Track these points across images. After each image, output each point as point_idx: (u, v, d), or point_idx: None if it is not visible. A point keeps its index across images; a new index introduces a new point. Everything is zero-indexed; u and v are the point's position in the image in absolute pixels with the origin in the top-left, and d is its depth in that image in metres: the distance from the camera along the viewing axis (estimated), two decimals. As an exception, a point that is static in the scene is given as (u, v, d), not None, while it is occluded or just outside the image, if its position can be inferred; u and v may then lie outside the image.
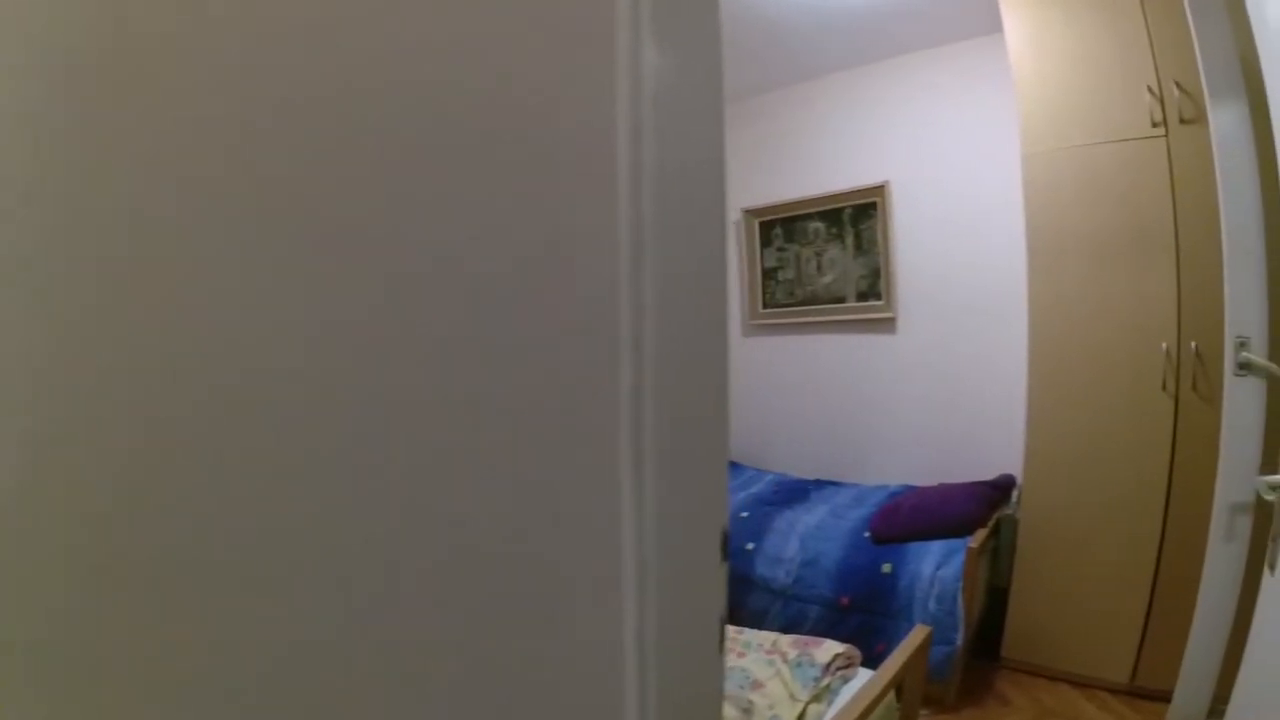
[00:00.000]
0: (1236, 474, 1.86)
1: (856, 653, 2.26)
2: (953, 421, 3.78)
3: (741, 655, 2.27)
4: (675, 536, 0.69)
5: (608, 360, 0.65)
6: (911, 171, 3.90)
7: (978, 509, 3.02)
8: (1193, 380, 2.49)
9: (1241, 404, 1.85)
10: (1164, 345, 2.54)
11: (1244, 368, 1.84)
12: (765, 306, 4.56)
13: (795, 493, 3.86)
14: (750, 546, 3.30)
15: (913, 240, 3.90)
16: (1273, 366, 1.75)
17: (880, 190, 3.96)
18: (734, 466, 4.46)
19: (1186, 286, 2.50)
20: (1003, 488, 3.29)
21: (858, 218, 4.09)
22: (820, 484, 4.05)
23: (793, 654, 2.20)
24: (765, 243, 4.55)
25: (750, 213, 4.59)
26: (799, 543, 3.22)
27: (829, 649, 2.20)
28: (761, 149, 4.61)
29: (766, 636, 2.38)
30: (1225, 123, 1.83)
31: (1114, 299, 2.67)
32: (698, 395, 0.75)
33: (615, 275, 0.65)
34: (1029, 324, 2.92)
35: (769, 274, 4.54)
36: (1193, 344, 2.48)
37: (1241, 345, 1.85)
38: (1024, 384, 2.95)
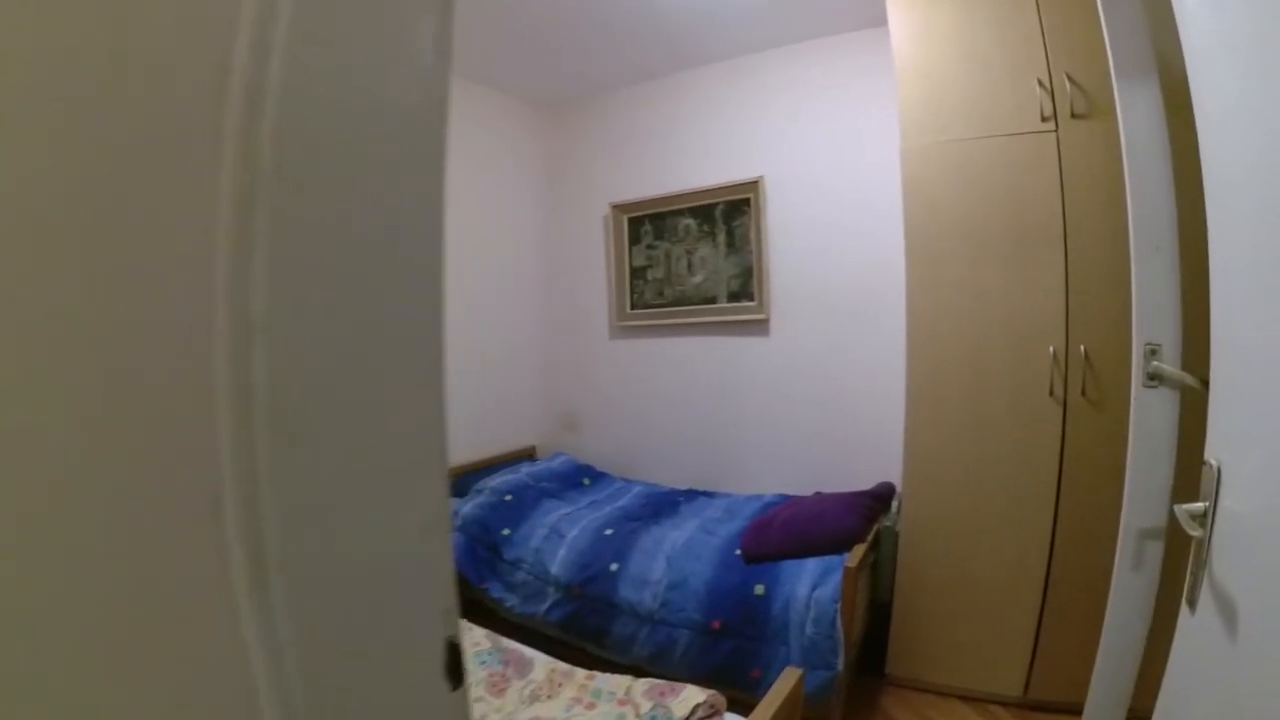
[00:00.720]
0: (1146, 496, 1.70)
1: (721, 700, 1.97)
2: (830, 428, 3.62)
3: (591, 707, 1.95)
4: (346, 676, 0.39)
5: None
6: (787, 167, 3.73)
7: (856, 522, 2.83)
8: (1081, 385, 2.38)
9: (1152, 419, 1.69)
10: (1051, 348, 2.42)
11: (1154, 378, 1.68)
12: (633, 307, 4.28)
13: (664, 506, 3.60)
14: (614, 568, 3.01)
15: (787, 239, 3.72)
16: (1188, 377, 1.59)
17: (754, 186, 3.76)
18: (600, 477, 4.18)
19: (1075, 286, 2.39)
20: (882, 498, 3.13)
21: (730, 215, 3.88)
22: (692, 495, 3.81)
23: (646, 706, 1.90)
24: (634, 240, 4.27)
25: (619, 208, 4.31)
26: (666, 562, 2.95)
27: (688, 699, 1.91)
28: (632, 142, 4.35)
29: (620, 682, 2.06)
30: (1137, 111, 1.67)
31: (997, 299, 2.54)
32: (384, 431, 0.50)
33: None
34: (907, 326, 2.76)
35: (638, 273, 4.27)
36: (1081, 347, 2.37)
37: (1152, 353, 1.68)
38: (903, 388, 2.79)
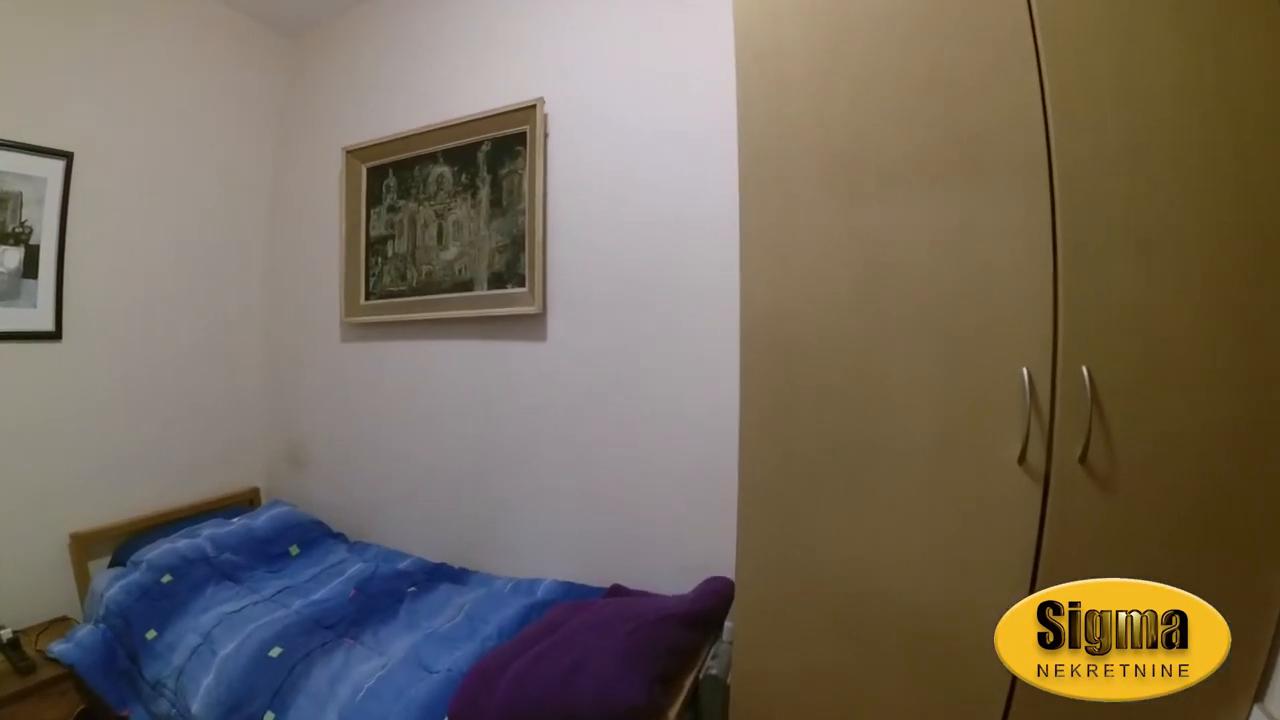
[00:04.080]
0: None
1: None
2: (636, 481, 2.38)
3: None
4: None
5: None
6: (575, 87, 2.51)
7: (638, 688, 1.57)
8: (1084, 443, 1.15)
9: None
10: (1024, 371, 1.20)
11: None
12: (369, 296, 2.93)
13: (382, 600, 2.36)
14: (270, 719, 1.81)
15: (574, 192, 2.49)
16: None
17: (530, 113, 2.50)
18: (317, 543, 2.91)
19: (1073, 250, 1.19)
20: (707, 614, 1.92)
21: (498, 158, 2.62)
22: (435, 578, 2.55)
23: None
24: (375, 200, 2.94)
25: (355, 154, 2.97)
26: None
27: None
28: (377, 65, 3.06)
29: None
30: None
31: (914, 272, 1.33)
32: None
33: None
34: (742, 323, 1.53)
35: (376, 246, 2.93)
36: (1084, 370, 1.15)
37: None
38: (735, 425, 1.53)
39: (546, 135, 2.49)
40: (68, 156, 2.64)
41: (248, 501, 3.34)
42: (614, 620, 1.85)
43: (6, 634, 2.34)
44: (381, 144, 2.89)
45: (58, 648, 2.31)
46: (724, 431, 2.10)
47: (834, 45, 1.42)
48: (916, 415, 1.32)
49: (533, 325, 2.50)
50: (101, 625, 2.37)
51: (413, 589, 2.43)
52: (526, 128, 2.52)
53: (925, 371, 1.31)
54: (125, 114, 2.84)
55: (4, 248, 2.50)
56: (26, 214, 2.54)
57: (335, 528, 3.05)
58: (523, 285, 2.50)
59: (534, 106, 2.48)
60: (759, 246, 1.50)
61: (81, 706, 2.30)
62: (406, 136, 2.80)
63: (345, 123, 3.13)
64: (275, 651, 2.02)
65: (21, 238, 2.54)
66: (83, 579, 2.69)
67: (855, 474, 1.38)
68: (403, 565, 2.66)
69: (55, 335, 2.65)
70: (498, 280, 2.57)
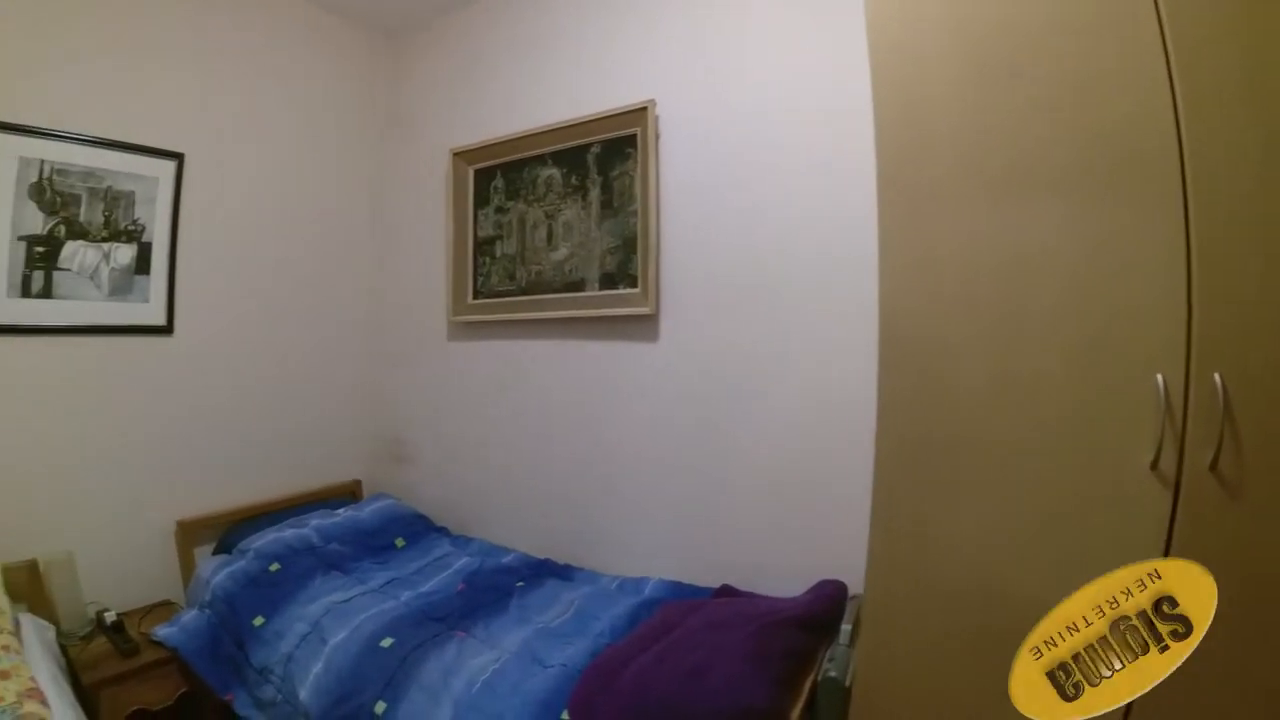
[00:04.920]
0: None
1: None
2: (750, 483, 2.37)
3: None
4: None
5: None
6: (687, 89, 2.51)
7: (764, 689, 1.58)
8: (1215, 450, 1.14)
9: None
10: (1159, 378, 1.19)
11: None
12: (477, 295, 3.00)
13: (490, 595, 2.37)
14: (380, 709, 1.82)
15: (686, 195, 2.51)
16: None
17: (641, 116, 2.52)
18: (422, 536, 2.96)
19: (1206, 255, 1.16)
20: (822, 618, 1.90)
21: (608, 160, 2.65)
22: (541, 574, 2.57)
23: None
24: (482, 201, 3.00)
25: (463, 156, 3.04)
26: (453, 713, 1.75)
27: None
28: (482, 66, 3.13)
29: None
30: None
31: (1051, 274, 1.32)
32: None
33: None
34: (880, 328, 1.52)
35: (484, 246, 2.99)
36: (1216, 377, 1.13)
37: None
38: (870, 432, 1.53)
39: (658, 137, 2.51)
40: (178, 157, 2.75)
41: (349, 494, 3.41)
42: (733, 621, 1.86)
43: (110, 616, 2.42)
44: (489, 146, 2.94)
45: (162, 631, 2.37)
46: (833, 433, 2.12)
47: (967, 43, 1.41)
48: (1050, 416, 1.30)
49: (644, 326, 2.53)
50: (207, 610, 2.42)
51: (520, 584, 2.45)
52: (637, 130, 2.54)
53: (1058, 372, 1.29)
54: (234, 117, 2.95)
55: (118, 245, 2.62)
56: (139, 212, 2.66)
57: (437, 522, 3.11)
58: (635, 286, 2.53)
59: (645, 109, 2.50)
60: (897, 245, 1.49)
61: (183, 689, 2.35)
62: (515, 139, 2.85)
63: (451, 125, 3.20)
64: (386, 642, 2.04)
65: (134, 235, 2.65)
66: (187, 565, 2.78)
67: (988, 474, 1.36)
68: (506, 560, 2.69)
69: (167, 329, 2.76)
70: (609, 281, 2.60)
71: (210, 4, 2.86)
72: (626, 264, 2.56)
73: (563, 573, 2.59)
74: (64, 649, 2.27)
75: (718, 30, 2.44)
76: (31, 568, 2.35)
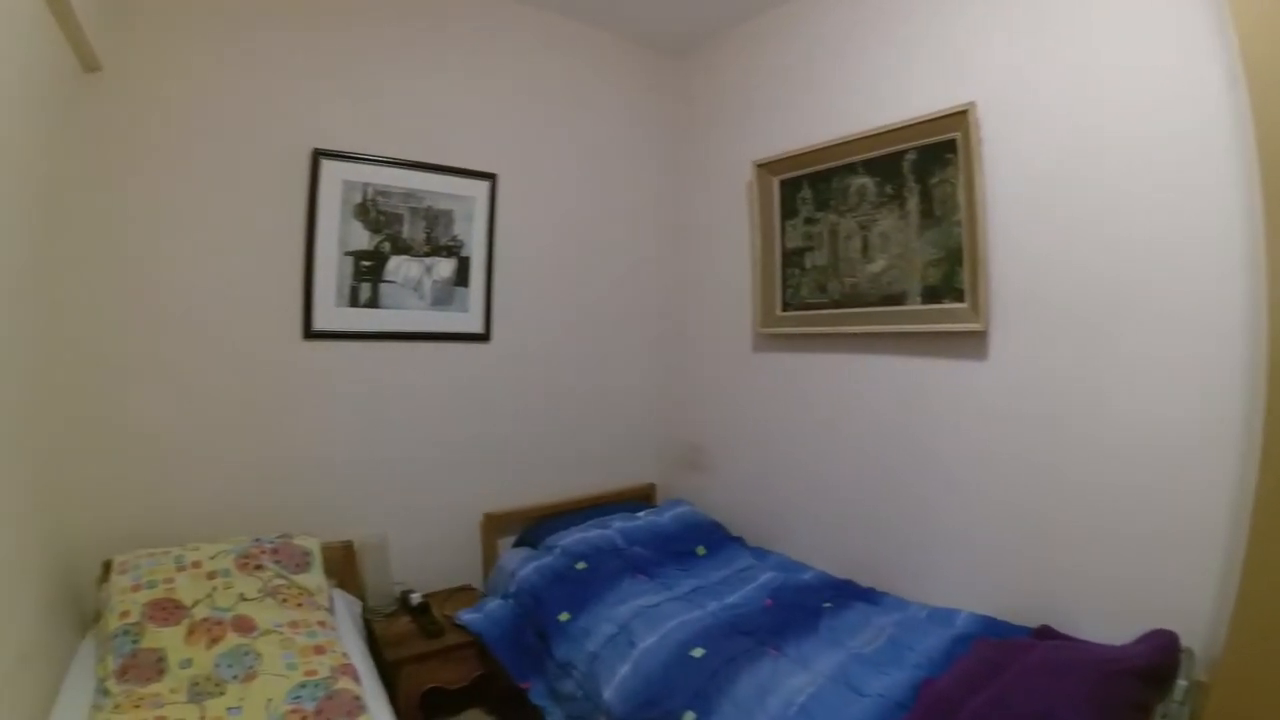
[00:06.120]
0: None
1: None
2: (1077, 519, 2.14)
3: None
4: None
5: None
6: (1013, 88, 2.31)
7: None
8: None
9: None
10: None
11: None
12: (786, 307, 3.03)
13: (798, 613, 2.35)
14: (690, 719, 1.83)
15: (1015, 201, 2.30)
16: None
17: (961, 119, 2.37)
18: (723, 545, 3.02)
19: None
20: (1159, 671, 1.67)
21: (926, 167, 2.52)
22: (845, 595, 2.51)
23: None
24: (789, 212, 3.01)
25: (766, 167, 3.06)
26: None
27: None
28: (779, 76, 3.13)
29: None
30: None
31: None
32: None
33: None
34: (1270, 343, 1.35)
35: (792, 258, 3.01)
36: None
37: None
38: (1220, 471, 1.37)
39: (980, 142, 2.36)
40: (492, 178, 3.02)
41: (643, 497, 3.55)
42: (1071, 668, 1.70)
43: (416, 598, 2.64)
44: (794, 156, 2.92)
45: (467, 616, 2.52)
46: (1173, 473, 1.88)
47: None
48: None
49: (972, 343, 2.39)
50: (510, 600, 2.55)
51: (828, 604, 2.40)
52: (956, 134, 2.39)
53: None
54: (539, 139, 3.21)
55: (439, 259, 2.92)
56: (457, 229, 2.96)
57: (733, 531, 3.15)
58: (961, 300, 2.40)
59: (965, 112, 2.34)
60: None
61: (479, 672, 2.49)
62: (821, 148, 2.80)
63: (747, 137, 3.24)
64: (697, 652, 2.05)
65: (454, 250, 2.96)
66: (489, 554, 3.01)
67: None
68: (806, 577, 2.66)
69: (484, 337, 3.05)
70: (932, 294, 2.49)
71: (515, 38, 3.14)
72: (951, 277, 2.43)
73: (867, 596, 2.51)
74: (367, 623, 2.49)
75: (1049, 22, 2.21)
76: (347, 548, 2.61)
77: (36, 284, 1.90)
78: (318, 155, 2.63)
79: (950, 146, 2.42)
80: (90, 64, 2.14)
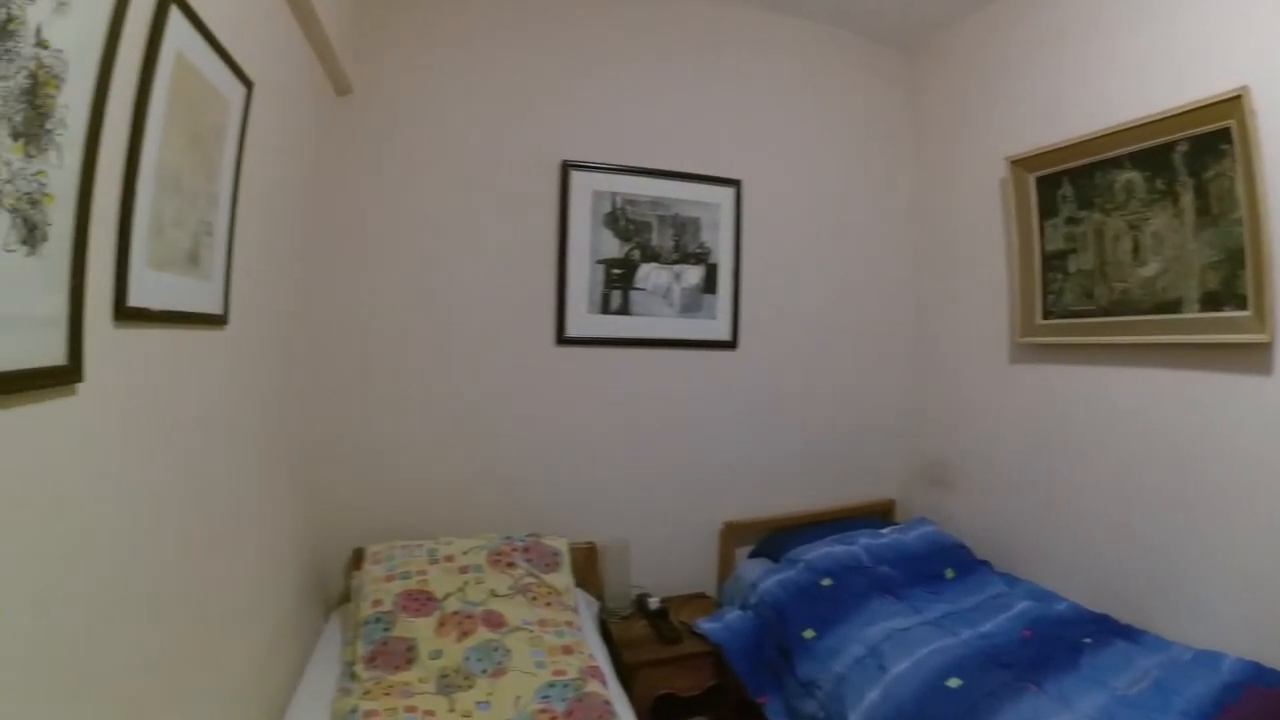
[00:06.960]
0: None
1: None
2: None
3: None
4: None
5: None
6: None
7: None
8: None
9: None
10: None
11: None
12: (1047, 315, 2.86)
13: (1057, 647, 2.21)
14: None
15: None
16: None
17: (1234, 106, 2.10)
18: (971, 569, 2.88)
19: None
20: None
21: (1199, 159, 2.25)
22: (1104, 630, 2.32)
23: None
24: (1048, 212, 2.84)
25: (1020, 164, 2.90)
26: None
27: None
28: (1026, 65, 2.95)
29: None
30: None
31: None
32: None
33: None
34: None
35: (1053, 262, 2.83)
36: None
37: None
38: None
39: (1257, 128, 2.06)
40: (736, 184, 3.10)
41: (882, 512, 3.45)
42: None
43: (654, 603, 2.67)
44: (1052, 151, 2.72)
45: (706, 625, 2.53)
46: None
47: None
48: None
49: (1256, 356, 2.11)
50: (750, 612, 2.53)
51: (1088, 640, 2.23)
52: (1230, 123, 2.12)
53: None
54: (780, 143, 3.25)
55: (687, 266, 3.04)
56: (704, 236, 3.06)
57: (978, 554, 2.98)
58: (1244, 308, 2.13)
59: (1238, 98, 2.07)
60: None
61: (713, 682, 2.48)
62: (1083, 141, 2.58)
63: (993, 132, 3.06)
64: (954, 682, 1.99)
65: (702, 257, 3.06)
66: (726, 563, 3.04)
67: None
68: (1060, 608, 2.49)
69: (732, 344, 3.12)
70: (1211, 301, 2.23)
71: (754, 43, 3.21)
72: (1233, 282, 2.17)
73: (1126, 633, 2.30)
74: (603, 624, 2.55)
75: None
76: (590, 550, 2.72)
77: (306, 301, 2.29)
78: (567, 167, 2.86)
79: (1225, 136, 2.16)
80: (342, 87, 2.53)
